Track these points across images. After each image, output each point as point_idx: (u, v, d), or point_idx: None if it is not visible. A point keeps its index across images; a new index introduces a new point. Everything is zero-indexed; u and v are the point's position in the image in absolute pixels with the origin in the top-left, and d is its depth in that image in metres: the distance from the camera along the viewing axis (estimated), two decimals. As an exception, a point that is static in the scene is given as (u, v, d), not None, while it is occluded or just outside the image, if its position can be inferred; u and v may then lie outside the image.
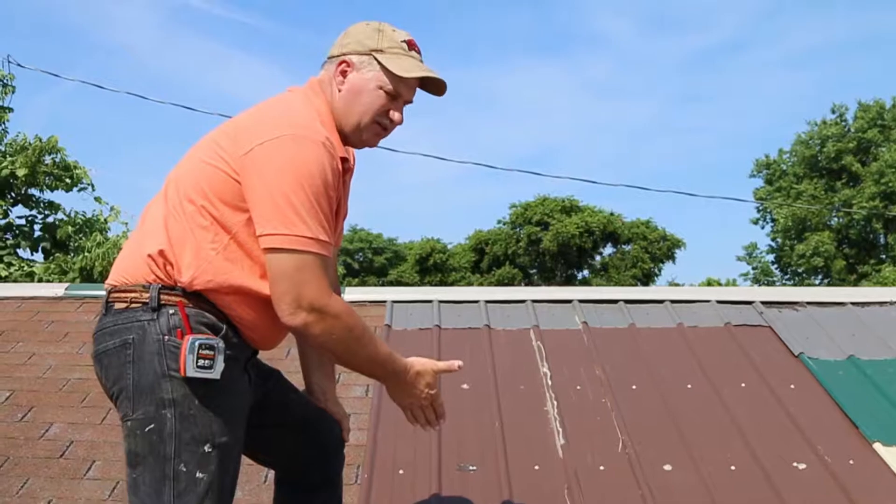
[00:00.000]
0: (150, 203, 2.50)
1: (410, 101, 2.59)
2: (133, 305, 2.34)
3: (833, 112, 40.45)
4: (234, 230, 2.32)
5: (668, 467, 3.89)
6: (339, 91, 2.52)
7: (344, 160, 2.46)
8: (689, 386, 4.60)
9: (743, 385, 4.59)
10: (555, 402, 4.42)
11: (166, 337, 2.28)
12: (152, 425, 2.26)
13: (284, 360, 4.62)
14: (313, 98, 2.52)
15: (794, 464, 3.91)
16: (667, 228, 40.67)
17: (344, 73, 2.52)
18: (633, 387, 4.59)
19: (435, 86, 2.59)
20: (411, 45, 2.53)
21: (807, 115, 70.16)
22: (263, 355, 2.63)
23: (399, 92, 2.51)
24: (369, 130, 2.52)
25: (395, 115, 2.53)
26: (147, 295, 2.32)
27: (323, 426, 2.78)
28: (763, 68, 72.57)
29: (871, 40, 68.33)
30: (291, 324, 2.26)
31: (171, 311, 2.28)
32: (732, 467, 3.89)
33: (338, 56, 2.54)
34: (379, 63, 2.48)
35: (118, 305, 2.36)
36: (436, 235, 44.19)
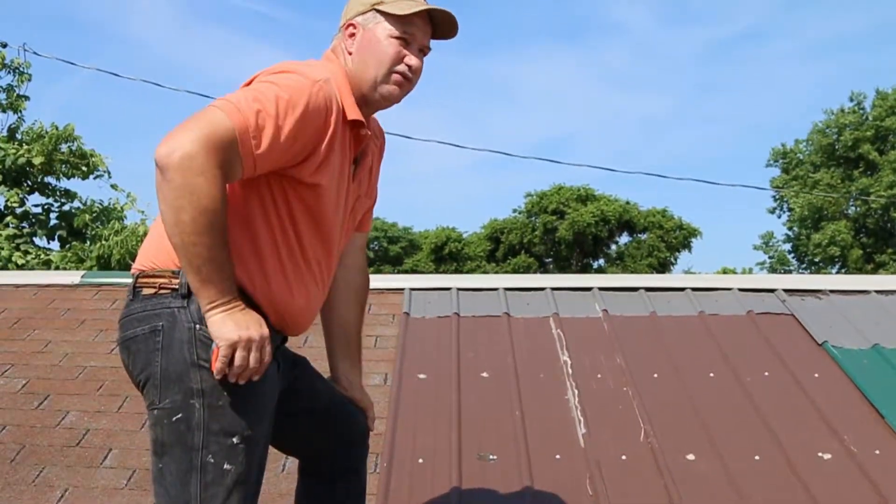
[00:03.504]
0: None
1: (428, 48, 2.53)
2: (162, 291, 2.29)
3: (851, 100, 40.21)
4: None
5: (690, 457, 3.83)
6: (350, 54, 2.49)
7: (358, 123, 2.43)
8: (712, 375, 4.55)
9: (766, 374, 4.53)
10: (575, 391, 4.37)
11: (197, 326, 2.23)
12: (180, 415, 2.22)
13: (302, 347, 4.58)
14: (328, 65, 2.49)
15: (819, 454, 3.85)
16: (683, 217, 40.55)
17: (352, 36, 2.50)
18: (655, 375, 4.53)
19: (444, 25, 2.54)
20: None
21: (824, 105, 69.82)
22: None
23: (409, 34, 2.46)
24: (388, 81, 2.46)
25: (411, 60, 2.47)
26: (177, 281, 2.28)
27: (348, 415, 2.74)
28: (781, 58, 72.29)
29: (890, 28, 67.85)
30: (155, 153, 2.08)
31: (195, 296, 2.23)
32: (756, 457, 3.83)
33: (344, 24, 2.53)
34: (382, 13, 2.46)
35: (146, 291, 2.32)
36: (451, 224, 44.10)
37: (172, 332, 2.25)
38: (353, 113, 2.41)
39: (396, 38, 2.45)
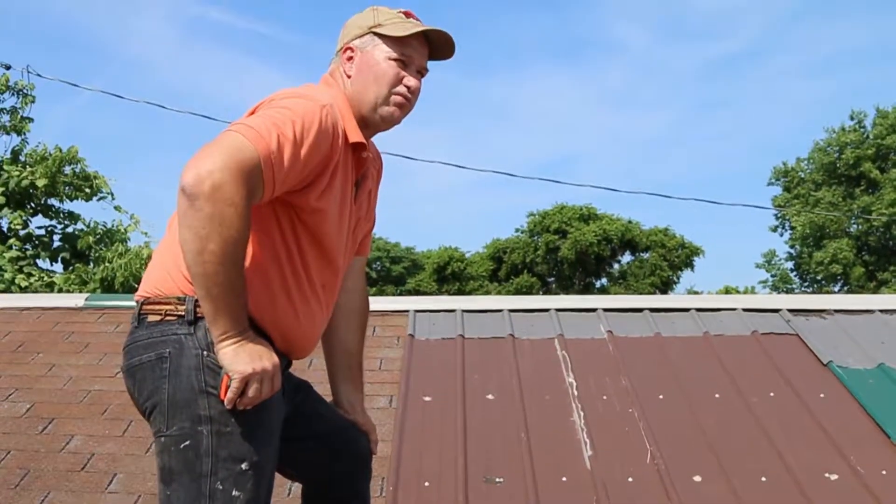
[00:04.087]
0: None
1: (426, 69, 2.55)
2: (168, 318, 2.28)
3: (851, 119, 40.24)
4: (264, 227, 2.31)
5: (697, 478, 3.82)
6: (349, 77, 2.51)
7: (360, 146, 2.44)
8: (717, 395, 4.54)
9: (772, 394, 4.53)
10: (581, 413, 4.37)
11: (205, 353, 2.22)
12: (188, 441, 2.20)
13: (307, 370, 4.57)
14: (327, 89, 2.50)
15: (826, 474, 3.85)
16: (685, 236, 40.52)
17: (350, 59, 2.52)
18: (661, 397, 4.53)
19: (442, 46, 2.56)
20: (408, 15, 2.53)
21: (825, 122, 69.96)
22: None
23: (407, 56, 2.48)
24: (388, 103, 2.47)
25: (409, 81, 2.48)
26: (183, 307, 2.27)
27: (351, 438, 2.73)
28: (781, 76, 72.30)
29: (890, 46, 68.01)
30: (181, 180, 2.06)
31: (207, 325, 2.22)
32: (763, 478, 3.82)
33: (341, 48, 2.55)
34: (379, 36, 2.48)
35: (152, 318, 2.31)
36: (453, 244, 44.11)
37: (180, 358, 2.24)
38: (355, 136, 2.42)
39: (395, 59, 2.46)
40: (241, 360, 2.15)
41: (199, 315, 2.24)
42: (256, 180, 2.10)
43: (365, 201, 2.62)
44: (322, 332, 2.58)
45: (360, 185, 2.56)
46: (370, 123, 2.50)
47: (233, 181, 2.03)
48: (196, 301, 2.23)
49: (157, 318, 2.30)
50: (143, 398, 2.30)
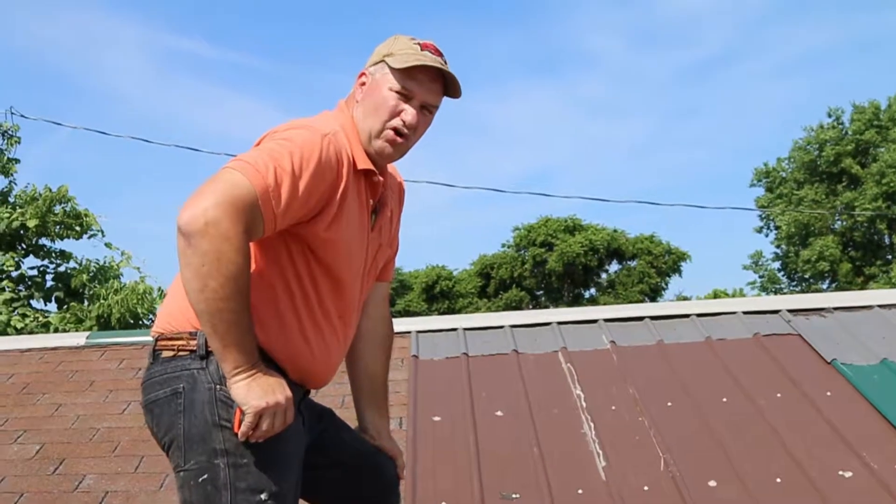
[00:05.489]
0: None
1: (433, 105, 2.49)
2: (181, 353, 2.30)
3: (829, 116, 40.54)
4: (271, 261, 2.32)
5: (712, 483, 3.84)
6: (357, 102, 2.49)
7: (370, 172, 2.43)
8: (725, 399, 4.56)
9: (779, 395, 4.55)
10: (591, 424, 4.38)
11: (217, 386, 2.24)
12: (206, 475, 2.22)
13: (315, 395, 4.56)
14: (339, 115, 2.50)
15: (840, 472, 3.87)
16: (671, 242, 40.65)
17: (363, 85, 2.50)
18: (669, 404, 4.55)
19: (452, 83, 2.49)
20: (425, 47, 2.45)
21: (802, 123, 70.35)
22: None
23: (409, 91, 2.41)
24: (381, 136, 2.42)
25: (406, 115, 2.41)
26: (194, 342, 2.29)
27: (378, 464, 2.74)
28: (753, 78, 72.71)
29: (862, 43, 68.52)
30: (178, 219, 2.07)
31: (218, 361, 2.22)
32: (778, 479, 3.84)
33: (360, 72, 2.54)
34: (388, 66, 2.43)
35: (165, 354, 2.33)
36: (440, 262, 44.04)
37: (193, 393, 2.26)
38: (363, 162, 2.40)
39: (396, 91, 2.41)
40: (254, 394, 2.16)
41: (210, 349, 2.25)
42: (254, 215, 2.10)
43: (386, 227, 2.61)
44: (340, 361, 2.58)
45: (379, 211, 2.54)
46: (370, 154, 2.45)
47: (227, 217, 2.04)
48: None
49: (171, 353, 2.33)
50: (161, 434, 2.32)
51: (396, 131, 2.42)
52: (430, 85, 2.45)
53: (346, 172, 2.33)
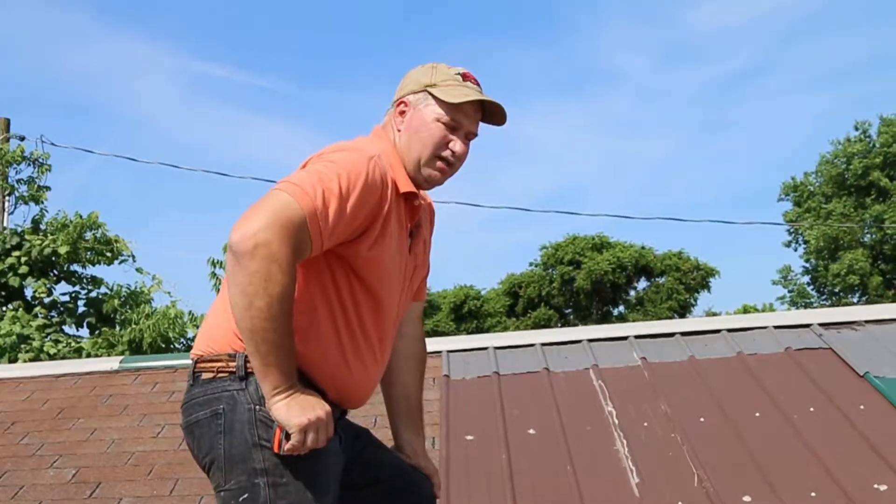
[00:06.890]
0: None
1: (474, 133, 2.56)
2: (220, 375, 2.33)
3: (856, 129, 40.27)
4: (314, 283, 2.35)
5: (747, 498, 3.83)
6: (399, 131, 2.53)
7: (411, 195, 2.48)
8: (758, 414, 4.55)
9: (812, 409, 4.54)
10: (624, 441, 4.38)
11: (257, 407, 2.27)
12: (246, 495, 2.25)
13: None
14: (376, 140, 2.54)
15: (875, 485, 3.85)
16: (699, 258, 40.42)
17: (402, 114, 2.54)
18: (701, 419, 4.54)
19: (494, 113, 2.58)
20: (466, 77, 2.53)
21: (827, 136, 69.98)
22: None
23: (457, 122, 2.49)
24: (431, 165, 2.50)
25: (455, 145, 2.49)
26: (234, 364, 2.32)
27: (414, 483, 2.75)
28: (780, 93, 72.36)
29: (889, 56, 68.09)
30: (229, 239, 2.12)
31: (258, 381, 2.26)
32: (813, 493, 3.83)
33: (396, 100, 2.58)
34: (433, 97, 2.49)
35: (205, 375, 2.36)
36: (468, 282, 43.97)
37: (233, 414, 2.29)
38: (406, 185, 2.45)
39: (444, 123, 2.48)
40: (294, 412, 2.19)
41: (249, 370, 2.28)
42: (303, 237, 2.15)
43: (421, 249, 2.66)
44: (377, 382, 2.61)
45: (416, 233, 2.59)
46: (414, 180, 2.51)
47: (277, 239, 2.09)
48: (246, 357, 2.27)
49: (211, 375, 2.35)
50: (202, 454, 2.35)
51: (446, 161, 2.50)
52: (475, 116, 2.55)
53: (390, 195, 2.38)
